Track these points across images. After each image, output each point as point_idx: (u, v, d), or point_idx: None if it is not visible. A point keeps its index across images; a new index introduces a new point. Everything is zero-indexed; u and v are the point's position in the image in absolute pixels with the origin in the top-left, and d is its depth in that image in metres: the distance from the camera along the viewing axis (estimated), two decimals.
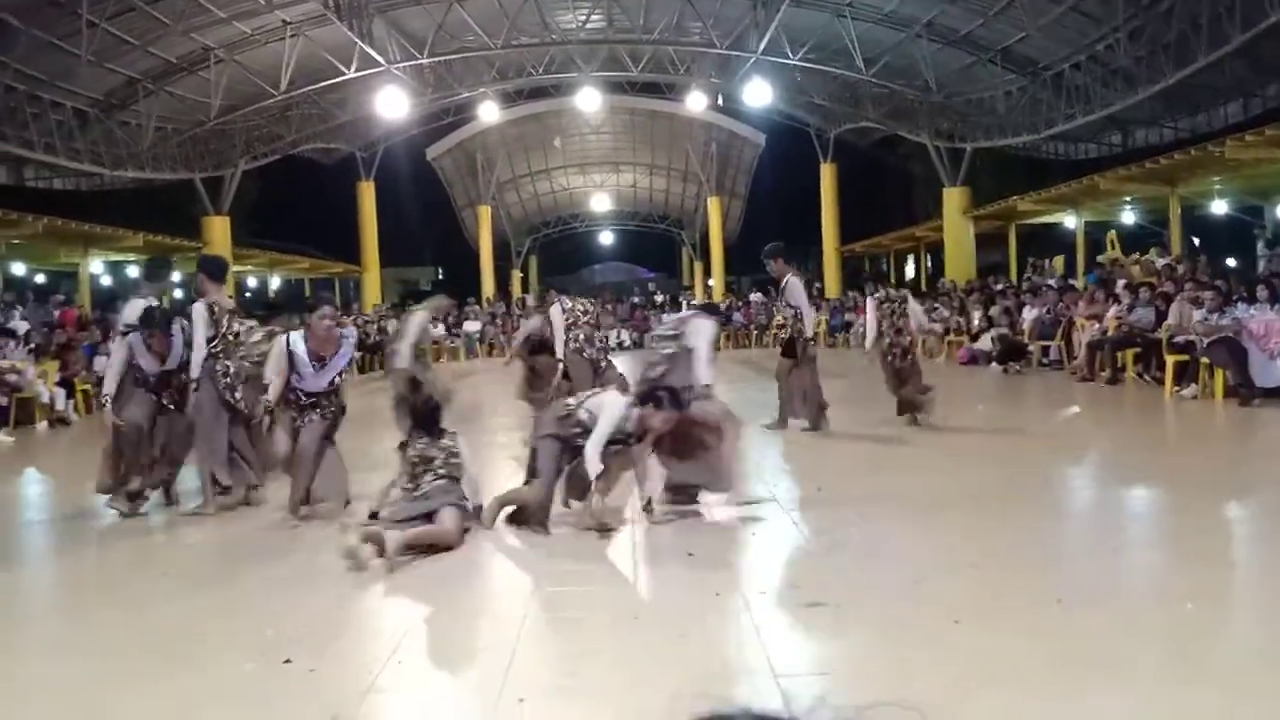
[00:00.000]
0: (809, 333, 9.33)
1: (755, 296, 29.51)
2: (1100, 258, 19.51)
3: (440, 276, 48.48)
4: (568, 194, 41.05)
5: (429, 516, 5.18)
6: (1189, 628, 3.76)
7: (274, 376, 6.19)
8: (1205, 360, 10.70)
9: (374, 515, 5.40)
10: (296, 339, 6.22)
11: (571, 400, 5.86)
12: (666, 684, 3.34)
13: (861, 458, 7.37)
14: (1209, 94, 18.34)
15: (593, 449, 5.37)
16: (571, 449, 5.55)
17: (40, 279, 27.07)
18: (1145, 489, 6.71)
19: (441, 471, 5.46)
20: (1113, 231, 20.96)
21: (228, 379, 6.60)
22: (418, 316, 8.26)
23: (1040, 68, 19.93)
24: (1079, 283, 18.31)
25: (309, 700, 3.32)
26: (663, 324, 8.43)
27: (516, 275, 41.68)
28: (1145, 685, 3.25)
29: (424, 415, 5.78)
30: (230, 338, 6.75)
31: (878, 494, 5.99)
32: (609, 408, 5.52)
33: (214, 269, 7.22)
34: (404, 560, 4.90)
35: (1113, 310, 13.61)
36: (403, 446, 5.69)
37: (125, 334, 6.60)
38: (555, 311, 8.83)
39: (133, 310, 6.74)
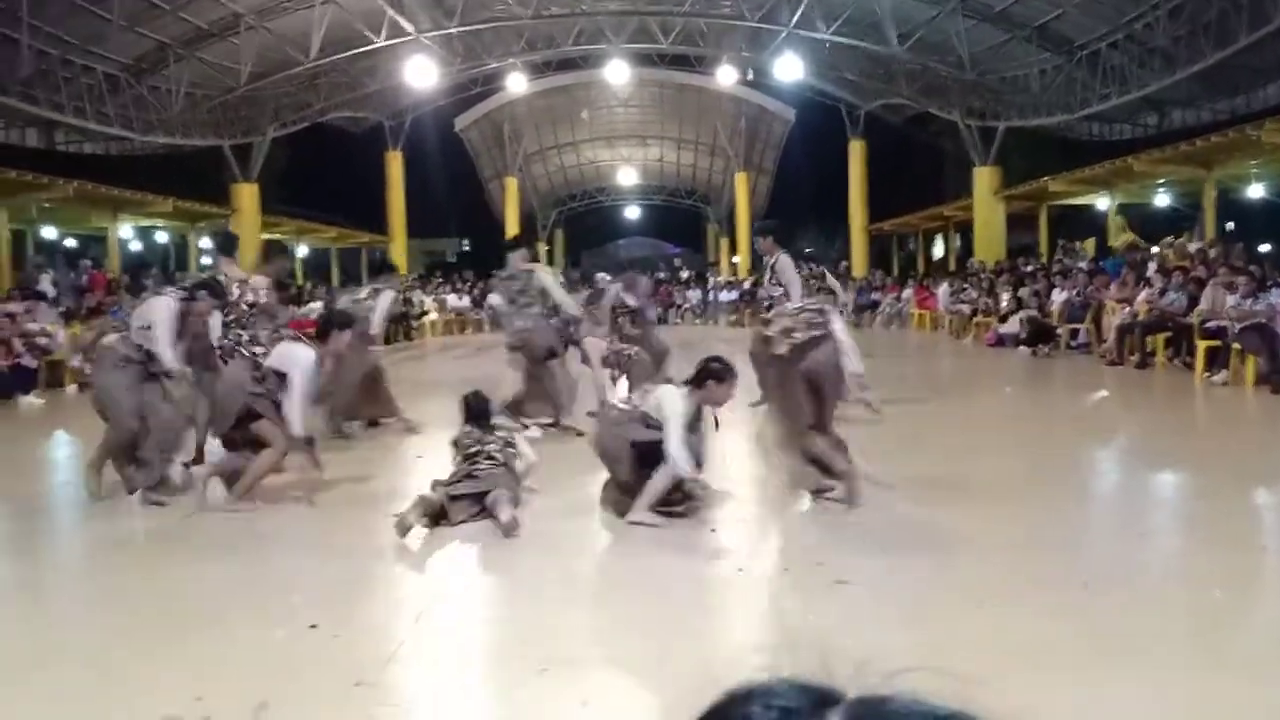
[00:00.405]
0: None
1: None
2: (1114, 244, 19.28)
3: (466, 248, 48.55)
4: (594, 167, 40.94)
5: (482, 497, 5.14)
6: (1216, 613, 3.72)
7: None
8: (1237, 346, 10.57)
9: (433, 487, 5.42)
10: None
11: (623, 404, 5.73)
12: (689, 656, 3.35)
13: (884, 440, 7.31)
14: (1248, 75, 18.02)
15: (677, 449, 4.98)
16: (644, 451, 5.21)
17: (70, 243, 27.26)
18: (1173, 474, 6.65)
19: (499, 459, 5.47)
20: (1119, 217, 20.76)
21: (252, 345, 6.63)
22: (387, 294, 8.96)
23: (1076, 46, 19.64)
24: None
25: (333, 666, 3.34)
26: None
27: (542, 248, 41.62)
28: (1171, 670, 3.22)
29: (475, 409, 5.86)
30: (245, 307, 6.86)
31: (901, 476, 5.95)
32: (668, 401, 5.15)
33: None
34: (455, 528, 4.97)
35: (1143, 294, 13.46)
36: (455, 442, 5.70)
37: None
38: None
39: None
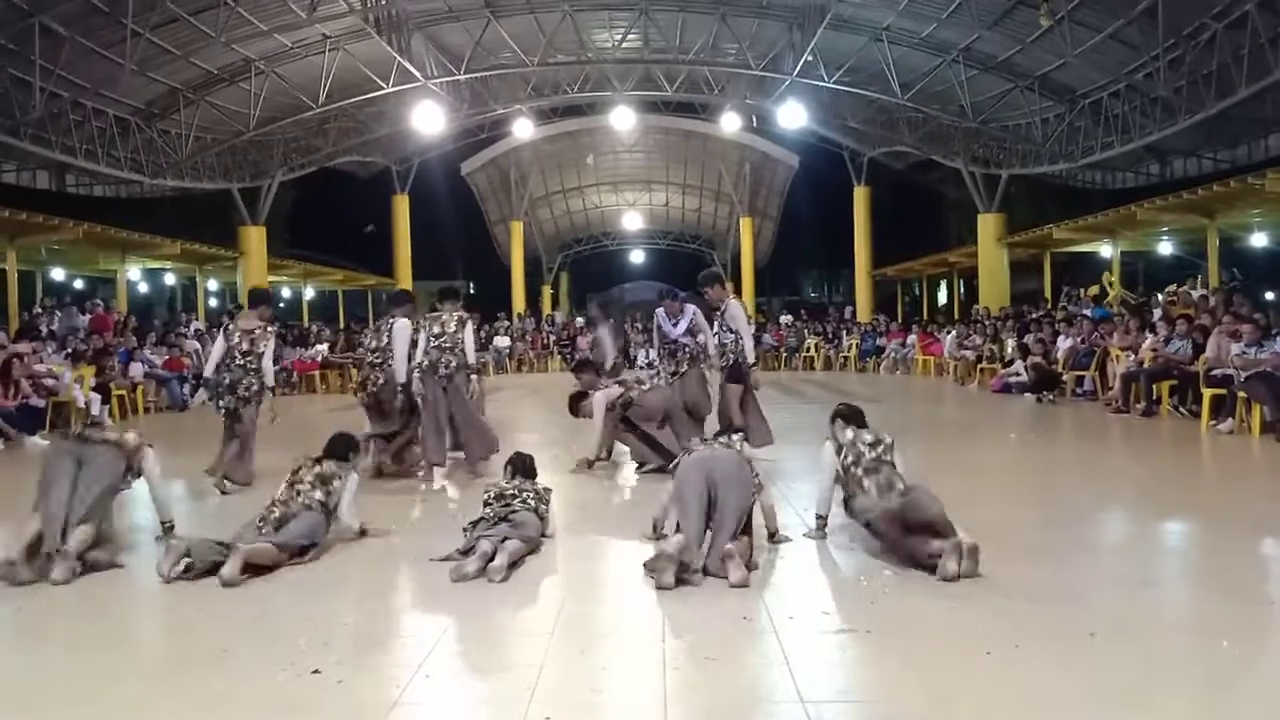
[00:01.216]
0: (750, 359, 9.10)
1: (785, 318, 29.44)
2: (1107, 300, 19.40)
3: (471, 290, 48.73)
4: (599, 212, 41.20)
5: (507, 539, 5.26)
6: (1224, 665, 3.69)
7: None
8: (1242, 394, 10.56)
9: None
10: None
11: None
12: (692, 704, 3.33)
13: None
14: (1249, 126, 18.19)
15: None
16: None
17: (79, 284, 27.43)
18: (1180, 524, 6.62)
19: (531, 503, 5.71)
20: (1107, 273, 20.92)
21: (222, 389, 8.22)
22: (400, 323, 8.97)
23: (1078, 95, 19.84)
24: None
25: (336, 711, 3.33)
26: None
27: (547, 291, 41.81)
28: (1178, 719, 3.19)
29: (520, 466, 6.17)
30: (238, 353, 8.22)
31: None
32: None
33: (249, 297, 8.97)
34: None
35: (1148, 341, 13.47)
36: (497, 489, 5.87)
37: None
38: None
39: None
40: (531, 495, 5.81)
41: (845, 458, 5.60)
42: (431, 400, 8.44)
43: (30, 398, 12.46)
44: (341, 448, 6.01)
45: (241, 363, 8.21)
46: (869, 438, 5.66)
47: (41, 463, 5.57)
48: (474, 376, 8.98)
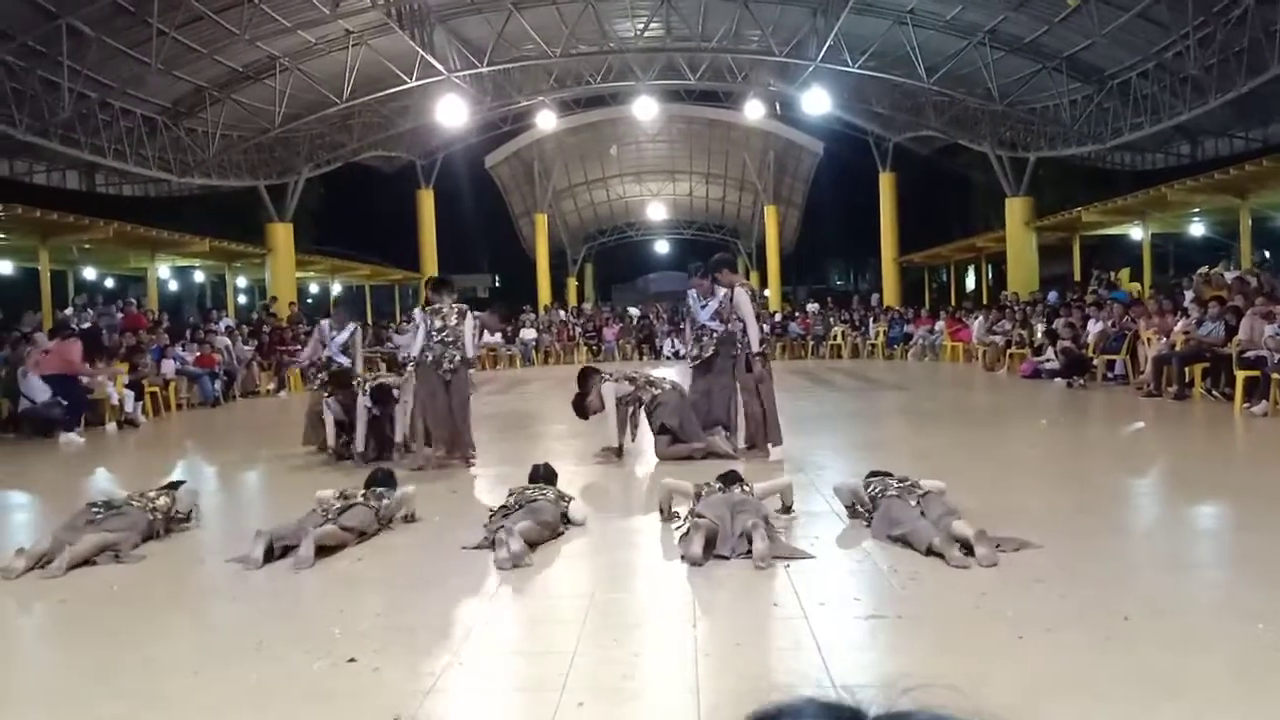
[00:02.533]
0: (755, 347, 8.75)
1: (812, 306, 29.35)
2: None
3: (497, 284, 48.89)
4: (623, 202, 41.19)
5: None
6: (1260, 648, 3.66)
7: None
8: (1276, 376, 10.44)
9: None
10: None
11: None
12: (723, 689, 3.34)
13: (921, 473, 7.25)
14: None
15: None
16: None
17: (110, 283, 27.71)
18: (1214, 506, 6.56)
19: (549, 499, 5.85)
20: (1126, 270, 20.76)
21: None
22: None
23: (1106, 76, 19.62)
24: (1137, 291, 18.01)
25: (372, 699, 3.36)
26: None
27: (572, 283, 41.89)
28: (1213, 705, 3.18)
29: (542, 473, 6.41)
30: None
31: None
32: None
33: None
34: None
35: (1180, 324, 13.33)
36: (511, 492, 6.01)
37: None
38: None
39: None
40: (553, 492, 6.01)
41: (872, 489, 5.65)
42: (428, 395, 8.47)
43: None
44: (384, 479, 6.36)
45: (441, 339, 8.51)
46: (898, 477, 5.71)
47: (73, 513, 5.72)
48: (471, 370, 8.96)
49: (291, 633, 4.12)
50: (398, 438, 8.97)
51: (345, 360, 10.11)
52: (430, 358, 8.45)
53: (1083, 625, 3.90)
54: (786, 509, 5.97)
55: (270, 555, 5.22)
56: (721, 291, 8.88)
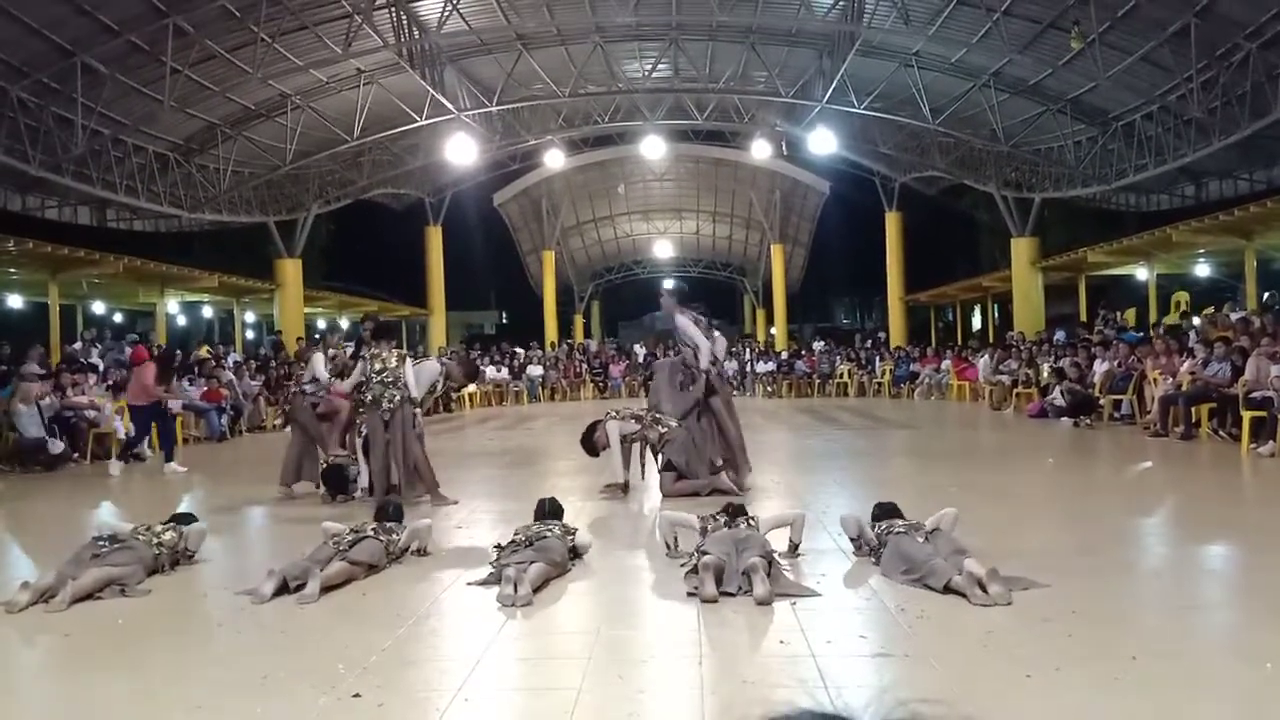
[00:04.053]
0: (704, 364, 8.90)
1: (818, 344, 29.38)
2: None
3: (504, 320, 49.04)
4: (630, 240, 41.37)
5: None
6: (1267, 689, 3.64)
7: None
8: None
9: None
10: None
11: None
12: None
13: (927, 512, 7.26)
14: None
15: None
16: None
17: (118, 317, 27.85)
18: (1221, 546, 6.53)
19: (556, 534, 5.81)
20: (1131, 310, 20.83)
21: None
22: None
23: (1110, 118, 19.76)
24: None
25: None
26: None
27: (579, 320, 42.00)
28: None
29: (547, 510, 6.31)
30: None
31: None
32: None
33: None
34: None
35: (1186, 364, 13.32)
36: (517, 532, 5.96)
37: None
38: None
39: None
40: (559, 528, 5.97)
41: (879, 529, 5.67)
42: (371, 433, 8.62)
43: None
44: (394, 513, 6.37)
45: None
46: (905, 520, 5.72)
47: (77, 547, 5.73)
48: (417, 411, 8.96)
49: (297, 667, 4.11)
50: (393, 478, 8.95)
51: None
52: (370, 397, 8.56)
53: (1091, 665, 3.88)
54: (794, 547, 5.92)
55: (280, 591, 5.24)
56: (680, 321, 9.12)
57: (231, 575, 5.87)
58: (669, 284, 10.04)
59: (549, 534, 5.77)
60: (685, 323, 9.05)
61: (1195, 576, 5.81)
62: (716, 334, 9.41)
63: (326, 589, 5.25)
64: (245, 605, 5.09)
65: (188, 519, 6.41)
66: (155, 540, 5.90)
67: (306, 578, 5.23)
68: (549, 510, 6.34)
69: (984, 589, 4.75)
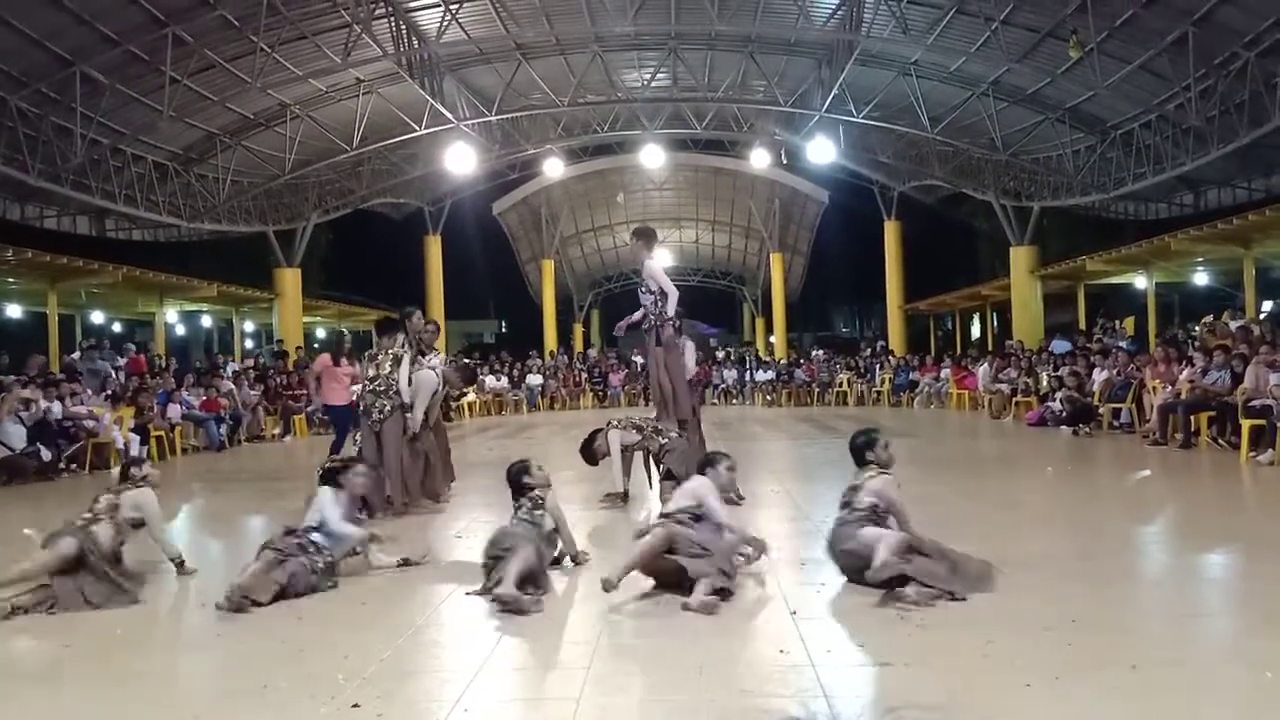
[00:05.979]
0: (670, 312, 8.85)
1: (817, 353, 29.38)
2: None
3: (504, 329, 49.02)
4: (630, 249, 41.28)
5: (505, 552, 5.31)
6: (1268, 696, 3.63)
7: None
8: None
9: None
10: None
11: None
12: None
13: (928, 520, 7.25)
14: None
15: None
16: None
17: (117, 327, 27.85)
18: (1222, 554, 6.52)
19: (525, 516, 5.75)
20: (1130, 318, 20.84)
21: None
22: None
23: (1109, 126, 19.81)
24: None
25: None
26: None
27: (579, 329, 41.99)
28: None
29: (510, 477, 6.08)
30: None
31: None
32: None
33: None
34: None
35: (1185, 373, 13.32)
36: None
37: None
38: None
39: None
40: (527, 506, 5.83)
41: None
42: (364, 444, 8.52)
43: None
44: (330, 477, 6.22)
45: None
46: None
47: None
48: (408, 415, 8.62)
49: (296, 677, 4.10)
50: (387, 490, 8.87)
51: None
52: (361, 407, 8.47)
53: (1091, 674, 3.87)
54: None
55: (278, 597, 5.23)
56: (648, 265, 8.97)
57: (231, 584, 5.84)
58: (637, 227, 9.90)
59: (518, 529, 5.62)
60: (654, 267, 8.91)
61: (1195, 585, 5.80)
62: (689, 342, 9.39)
63: (323, 592, 5.26)
64: (244, 614, 5.07)
65: (137, 463, 6.43)
66: (84, 524, 5.60)
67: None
68: (512, 480, 6.03)
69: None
